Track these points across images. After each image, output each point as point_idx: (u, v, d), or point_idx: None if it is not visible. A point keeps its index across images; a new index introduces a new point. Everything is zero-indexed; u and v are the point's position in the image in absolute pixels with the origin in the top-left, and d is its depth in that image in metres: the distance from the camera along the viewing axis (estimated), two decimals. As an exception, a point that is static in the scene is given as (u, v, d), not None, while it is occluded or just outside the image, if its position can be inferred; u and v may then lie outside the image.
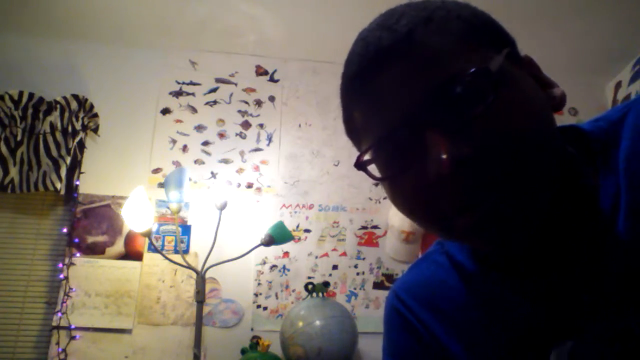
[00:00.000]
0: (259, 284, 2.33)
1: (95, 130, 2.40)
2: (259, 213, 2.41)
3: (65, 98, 2.36)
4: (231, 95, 2.57)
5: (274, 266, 2.36)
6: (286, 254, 2.39)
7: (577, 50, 2.53)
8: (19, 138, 2.27)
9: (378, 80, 0.43)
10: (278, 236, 2.08)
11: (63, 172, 2.26)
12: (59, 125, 2.32)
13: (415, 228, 2.37)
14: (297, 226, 2.43)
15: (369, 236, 2.47)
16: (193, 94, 2.54)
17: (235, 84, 2.59)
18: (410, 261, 2.38)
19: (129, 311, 2.19)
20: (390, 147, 0.43)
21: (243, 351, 2.05)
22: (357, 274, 2.41)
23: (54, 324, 2.12)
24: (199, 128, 2.50)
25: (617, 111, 0.47)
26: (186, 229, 2.33)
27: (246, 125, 2.55)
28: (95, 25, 2.42)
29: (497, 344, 0.51)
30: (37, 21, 2.39)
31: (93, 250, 2.26)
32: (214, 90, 2.56)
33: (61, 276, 2.19)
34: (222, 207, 2.15)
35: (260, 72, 2.63)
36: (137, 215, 1.94)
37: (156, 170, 2.41)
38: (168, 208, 2.26)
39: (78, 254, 2.23)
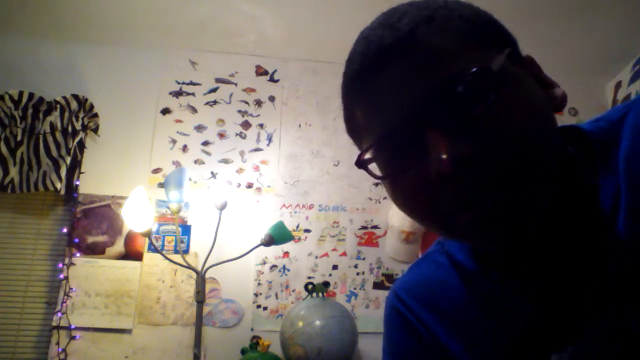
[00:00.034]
0: (259, 284, 2.33)
1: (95, 130, 2.40)
2: (259, 213, 2.41)
3: (65, 98, 2.36)
4: (231, 95, 2.57)
5: (274, 266, 2.36)
6: (286, 254, 2.39)
7: (577, 50, 2.53)
8: (19, 138, 2.27)
9: (379, 79, 0.43)
10: (278, 236, 2.08)
11: (63, 172, 2.26)
12: (59, 125, 2.32)
13: (415, 228, 2.37)
14: (297, 226, 2.43)
15: (369, 236, 2.47)
16: (193, 94, 2.54)
17: (235, 84, 2.59)
18: (410, 261, 2.38)
19: (129, 311, 2.19)
20: (391, 146, 0.43)
21: (243, 351, 2.05)
22: (357, 274, 2.41)
23: (54, 324, 2.12)
24: (199, 128, 2.51)
25: (617, 111, 0.47)
26: (186, 229, 2.33)
27: (246, 125, 2.55)
28: (95, 26, 2.42)
29: (497, 343, 0.51)
30: (37, 21, 2.39)
31: (93, 250, 2.26)
32: (214, 90, 2.56)
33: (61, 276, 2.19)
34: (222, 207, 2.15)
35: (260, 72, 2.63)
36: (137, 215, 1.94)
37: (156, 170, 2.41)
38: (168, 208, 2.26)
39: (78, 254, 2.23)
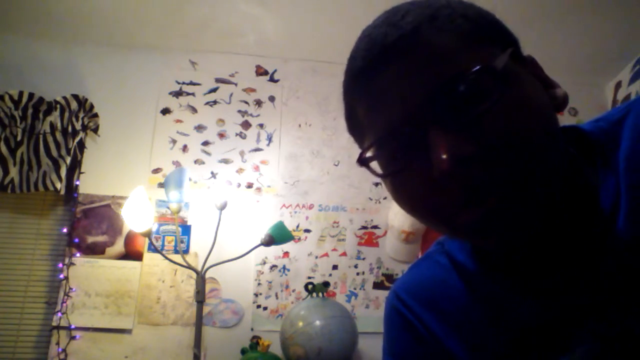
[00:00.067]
0: (259, 284, 2.33)
1: (95, 130, 2.40)
2: (259, 213, 2.41)
3: (65, 98, 2.36)
4: (231, 95, 2.57)
5: (274, 266, 2.36)
6: (286, 254, 2.39)
7: (577, 50, 2.53)
8: (19, 138, 2.27)
9: (382, 76, 0.43)
10: (278, 236, 2.08)
11: (63, 172, 2.26)
12: (59, 125, 2.32)
13: (416, 228, 2.37)
14: (297, 226, 2.43)
15: (369, 236, 2.47)
16: (193, 94, 2.54)
17: (235, 84, 2.59)
18: (410, 261, 2.38)
19: (129, 311, 2.20)
20: (394, 143, 0.43)
21: (243, 351, 2.05)
22: (357, 274, 2.41)
23: (54, 324, 2.13)
24: (199, 128, 2.51)
25: (618, 111, 0.47)
26: (186, 229, 2.33)
27: (246, 125, 2.55)
28: (95, 26, 2.42)
29: (497, 344, 0.51)
30: (37, 21, 2.39)
31: (93, 250, 2.26)
32: (214, 90, 2.56)
33: (61, 276, 2.19)
34: (222, 207, 2.15)
35: (260, 72, 2.63)
36: (137, 215, 1.94)
37: (156, 170, 2.42)
38: (168, 208, 2.26)
39: (78, 254, 2.23)
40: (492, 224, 0.40)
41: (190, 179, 2.32)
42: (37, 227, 2.29)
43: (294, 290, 2.34)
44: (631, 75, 2.54)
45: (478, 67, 0.40)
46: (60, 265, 2.21)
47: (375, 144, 0.44)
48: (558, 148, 0.42)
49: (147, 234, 1.98)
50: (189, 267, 2.05)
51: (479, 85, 0.40)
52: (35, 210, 2.31)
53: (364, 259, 2.44)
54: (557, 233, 0.46)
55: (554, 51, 2.49)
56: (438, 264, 0.58)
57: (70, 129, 2.32)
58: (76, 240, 2.24)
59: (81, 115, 2.37)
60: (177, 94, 2.54)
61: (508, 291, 0.50)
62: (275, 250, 2.33)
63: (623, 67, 2.61)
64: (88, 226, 2.28)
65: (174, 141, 2.47)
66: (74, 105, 2.36)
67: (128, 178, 2.33)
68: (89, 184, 2.33)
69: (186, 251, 2.30)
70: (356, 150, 0.48)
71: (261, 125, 2.56)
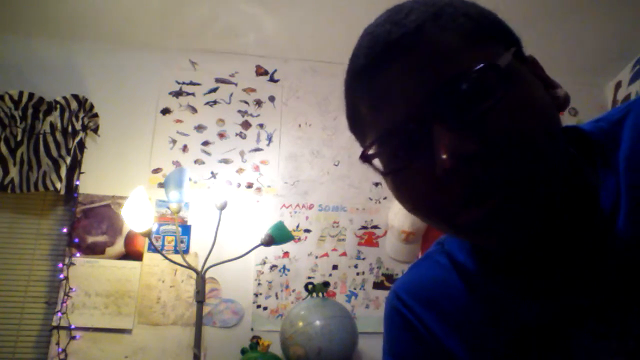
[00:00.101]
0: (259, 284, 2.33)
1: (95, 130, 2.40)
2: (259, 213, 2.41)
3: (65, 98, 2.36)
4: (231, 95, 2.57)
5: (274, 266, 2.36)
6: (286, 254, 2.39)
7: (577, 50, 2.53)
8: (19, 138, 2.27)
9: (386, 74, 0.43)
10: (278, 236, 2.08)
11: (63, 172, 2.26)
12: (59, 125, 2.32)
13: (416, 228, 2.37)
14: (297, 226, 2.43)
15: (369, 236, 2.47)
16: (193, 94, 2.54)
17: (235, 84, 2.59)
18: (410, 261, 2.38)
19: (129, 311, 2.20)
20: (396, 141, 0.43)
21: (243, 351, 2.05)
22: (357, 274, 2.41)
23: (54, 324, 2.13)
24: (199, 128, 2.51)
25: (618, 112, 0.47)
26: (186, 229, 2.33)
27: (246, 125, 2.55)
28: (95, 25, 2.42)
29: (497, 344, 0.51)
30: (37, 21, 2.39)
31: (93, 250, 2.26)
32: (214, 90, 2.56)
33: (61, 276, 2.19)
34: (222, 207, 2.15)
35: (260, 72, 2.63)
36: (137, 215, 1.94)
37: (156, 170, 2.42)
38: (168, 208, 2.26)
39: (78, 254, 2.23)
40: (494, 224, 0.40)
41: (190, 179, 2.32)
42: (37, 227, 2.29)
43: (294, 290, 2.34)
44: (631, 75, 2.54)
45: (482, 65, 0.40)
46: (60, 265, 2.21)
47: (378, 141, 0.44)
48: (560, 148, 0.42)
49: (147, 234, 1.98)
50: (189, 267, 2.05)
51: (482, 84, 0.40)
52: (35, 210, 2.31)
53: (364, 259, 2.44)
54: (557, 233, 0.46)
55: (554, 51, 2.49)
56: (438, 264, 0.58)
57: (70, 129, 2.33)
58: (76, 240, 2.24)
59: (81, 115, 2.37)
60: (177, 94, 2.54)
61: (508, 291, 0.50)
62: (275, 250, 2.33)
63: (623, 67, 2.61)
64: (88, 226, 2.28)
65: (174, 141, 2.47)
66: (74, 105, 2.36)
67: (128, 178, 2.33)
68: (89, 184, 2.33)
69: (186, 251, 2.30)
70: (356, 150, 0.48)
71: (261, 125, 2.56)
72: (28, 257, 2.25)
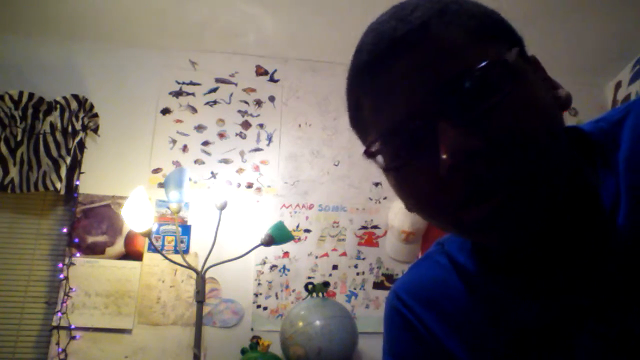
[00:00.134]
0: (259, 284, 2.33)
1: (95, 130, 2.40)
2: (259, 213, 2.41)
3: (65, 98, 2.36)
4: (231, 95, 2.57)
5: (274, 266, 2.36)
6: (286, 254, 2.39)
7: (577, 50, 2.53)
8: (19, 138, 2.27)
9: (391, 69, 0.43)
10: (278, 236, 2.08)
11: (63, 172, 2.26)
12: (59, 125, 2.32)
13: (416, 228, 2.37)
14: (297, 226, 2.43)
15: (369, 236, 2.47)
16: (193, 94, 2.54)
17: (235, 84, 2.59)
18: (410, 261, 2.38)
19: (129, 311, 2.20)
20: (401, 137, 0.42)
21: (243, 351, 2.05)
22: (357, 274, 2.41)
23: (54, 324, 2.13)
24: (199, 128, 2.51)
25: (618, 112, 0.47)
26: (186, 229, 2.33)
27: (246, 125, 2.55)
28: (95, 25, 2.42)
29: (497, 344, 0.51)
30: (37, 21, 2.39)
31: (93, 250, 2.26)
32: (214, 90, 2.56)
33: (61, 276, 2.19)
34: (222, 207, 2.15)
35: (260, 72, 2.63)
36: (137, 215, 1.94)
37: (156, 170, 2.42)
38: (168, 208, 2.26)
39: (78, 254, 2.23)
40: (497, 222, 0.40)
41: (190, 179, 2.32)
42: (37, 227, 2.29)
43: (294, 290, 2.34)
44: (631, 75, 2.54)
45: (488, 61, 0.40)
46: (60, 265, 2.21)
47: (382, 137, 0.44)
48: (562, 148, 0.43)
49: (147, 234, 1.98)
50: (189, 267, 2.05)
51: (488, 81, 0.40)
52: (35, 210, 2.31)
53: (364, 259, 2.44)
54: (559, 232, 0.46)
55: (554, 51, 2.49)
56: (438, 264, 0.58)
57: (70, 129, 2.33)
58: (76, 240, 2.24)
59: (81, 115, 2.37)
60: (177, 94, 2.54)
61: (508, 291, 0.50)
62: (275, 250, 2.33)
63: (623, 67, 2.61)
64: (88, 226, 2.28)
65: (174, 141, 2.47)
66: (74, 105, 2.36)
67: (128, 178, 2.33)
68: (89, 184, 2.33)
69: (186, 251, 2.30)
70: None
71: (261, 125, 2.56)
72: (28, 257, 2.25)
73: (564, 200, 0.44)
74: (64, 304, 2.15)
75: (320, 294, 2.15)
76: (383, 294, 2.38)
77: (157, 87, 2.52)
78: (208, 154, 2.48)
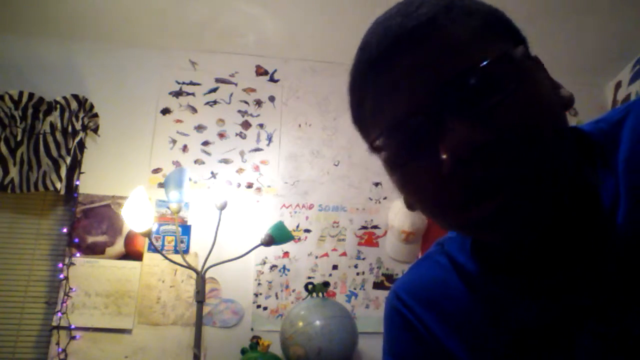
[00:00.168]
0: (259, 284, 2.33)
1: (95, 130, 2.40)
2: (259, 213, 2.41)
3: (65, 98, 2.36)
4: (231, 95, 2.57)
5: (274, 266, 2.36)
6: (286, 254, 2.39)
7: (577, 50, 2.53)
8: (19, 138, 2.27)
9: (398, 64, 0.42)
10: (278, 236, 2.08)
11: (63, 172, 2.26)
12: (59, 125, 2.32)
13: (416, 228, 2.37)
14: (297, 226, 2.43)
15: (369, 236, 2.47)
16: (193, 94, 2.54)
17: (235, 84, 2.59)
18: (410, 261, 2.38)
19: (129, 311, 2.20)
20: (406, 133, 0.42)
21: (243, 351, 2.05)
22: (357, 274, 2.41)
23: (54, 324, 2.13)
24: (199, 128, 2.51)
25: (617, 113, 0.47)
26: (186, 229, 2.33)
27: (246, 125, 2.55)
28: (95, 25, 2.42)
29: (497, 344, 0.51)
30: (37, 21, 2.39)
31: (93, 250, 2.26)
32: (214, 90, 2.56)
33: (61, 276, 2.19)
34: (222, 207, 2.15)
35: (260, 72, 2.63)
36: (137, 215, 1.94)
37: (156, 170, 2.42)
38: (168, 208, 2.26)
39: (78, 254, 2.23)
40: (501, 219, 0.40)
41: (190, 179, 2.32)
42: (37, 227, 2.29)
43: (294, 290, 2.34)
44: (631, 75, 2.54)
45: (496, 57, 0.40)
46: (60, 265, 2.21)
47: (387, 132, 0.44)
48: (567, 146, 0.43)
49: (147, 234, 1.98)
50: (189, 267, 2.05)
51: (495, 77, 0.40)
52: (35, 210, 2.31)
53: (364, 259, 2.44)
54: (560, 231, 0.46)
55: (554, 51, 2.49)
56: (438, 264, 0.58)
57: (70, 129, 2.33)
58: (76, 240, 2.24)
59: (81, 115, 2.37)
60: (177, 94, 2.54)
61: (508, 291, 0.50)
62: (275, 250, 2.33)
63: (623, 67, 2.61)
64: (88, 226, 2.28)
65: (174, 141, 2.47)
66: (74, 105, 2.36)
67: (128, 178, 2.33)
68: (89, 184, 2.33)
69: (186, 251, 2.30)
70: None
71: (261, 125, 2.56)
72: (28, 257, 2.25)
73: (568, 199, 0.44)
74: (64, 304, 2.15)
75: (320, 294, 2.15)
76: (383, 294, 2.38)
77: (157, 87, 2.52)
78: (208, 154, 2.48)
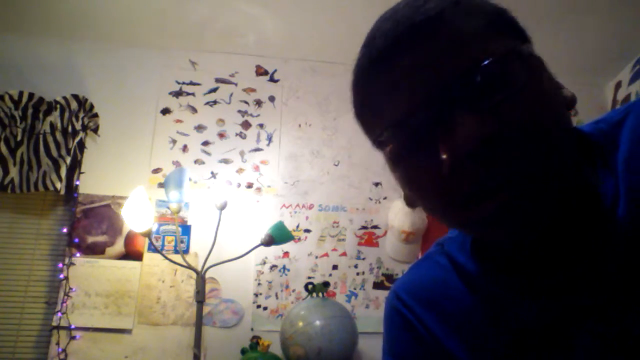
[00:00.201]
0: (259, 284, 2.33)
1: (95, 130, 2.40)
2: (259, 213, 2.41)
3: (65, 98, 2.36)
4: (231, 95, 2.57)
5: (274, 266, 2.36)
6: (286, 254, 2.39)
7: (577, 50, 2.53)
8: (19, 138, 2.27)
9: (405, 58, 0.42)
10: (278, 236, 2.08)
11: (63, 172, 2.26)
12: (59, 125, 2.32)
13: (416, 228, 2.37)
14: (297, 226, 2.43)
15: (369, 236, 2.47)
16: (193, 94, 2.54)
17: (235, 84, 2.59)
18: (410, 261, 2.38)
19: (129, 311, 2.20)
20: (414, 127, 0.42)
21: (243, 351, 2.05)
22: (357, 274, 2.41)
23: (54, 324, 2.13)
24: (199, 128, 2.51)
25: (618, 113, 0.48)
26: (186, 229, 2.33)
27: (246, 125, 2.55)
28: (95, 25, 2.42)
29: (497, 344, 0.51)
30: (37, 21, 2.39)
31: (93, 250, 2.26)
32: (214, 90, 2.56)
33: (61, 276, 2.19)
34: (222, 207, 2.15)
35: (260, 72, 2.63)
36: (137, 215, 1.94)
37: (156, 170, 2.42)
38: (168, 208, 2.26)
39: (78, 254, 2.23)
40: (503, 218, 0.40)
41: (190, 179, 2.32)
42: (37, 227, 2.29)
43: (294, 290, 2.34)
44: (631, 75, 2.54)
45: (505, 52, 0.40)
46: (60, 265, 2.21)
47: (394, 126, 0.43)
48: (571, 145, 0.43)
49: (147, 234, 1.98)
50: (189, 267, 2.05)
51: (505, 71, 0.40)
52: (35, 210, 2.31)
53: (364, 259, 2.44)
54: (561, 231, 0.46)
55: (554, 51, 2.48)
56: (438, 264, 0.58)
57: (70, 129, 2.33)
58: (76, 240, 2.24)
59: (81, 115, 2.37)
60: (177, 94, 2.54)
61: (508, 291, 0.50)
62: (275, 250, 2.33)
63: (623, 67, 2.61)
64: (88, 226, 2.28)
65: (174, 141, 2.47)
66: (74, 105, 2.36)
67: (128, 178, 2.33)
68: (89, 184, 2.33)
69: (186, 251, 2.30)
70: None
71: (261, 125, 2.56)
72: (28, 257, 2.25)
73: (571, 199, 0.44)
74: (64, 304, 2.15)
75: (320, 294, 2.15)
76: (383, 294, 2.39)
77: (157, 87, 2.52)
78: (208, 154, 2.48)
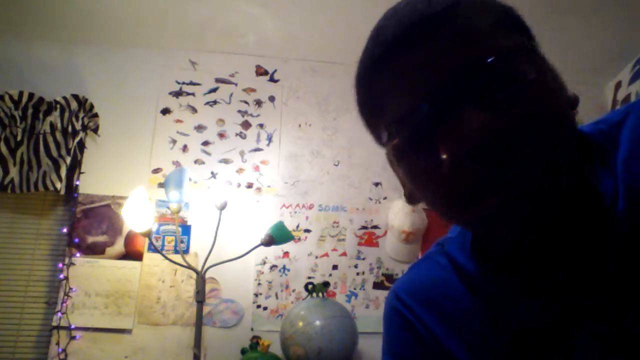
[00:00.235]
0: (259, 284, 2.33)
1: (95, 130, 2.40)
2: (259, 213, 2.41)
3: (65, 98, 2.36)
4: (231, 95, 2.57)
5: (274, 266, 2.36)
6: (286, 254, 2.39)
7: (577, 50, 2.53)
8: (19, 138, 2.27)
9: (412, 53, 0.42)
10: (278, 236, 2.08)
11: (63, 172, 2.26)
12: (59, 125, 2.32)
13: (416, 228, 2.37)
14: (297, 226, 2.43)
15: (369, 236, 2.47)
16: (193, 94, 2.54)
17: (235, 84, 2.59)
18: (410, 261, 2.38)
19: (129, 311, 2.20)
20: (421, 121, 0.42)
21: (243, 351, 2.05)
22: (357, 274, 2.41)
23: (54, 324, 2.13)
24: (199, 128, 2.51)
25: (617, 114, 0.48)
26: (186, 229, 2.33)
27: (246, 125, 2.55)
28: (95, 26, 2.42)
29: (497, 344, 0.51)
30: (37, 21, 2.39)
31: (93, 250, 2.26)
32: (214, 90, 2.56)
33: (61, 276, 2.19)
34: (222, 207, 2.15)
35: (260, 72, 2.63)
36: (137, 215, 1.94)
37: (156, 170, 2.42)
38: (168, 208, 2.26)
39: (78, 254, 2.23)
40: (508, 213, 0.40)
41: (190, 179, 2.32)
42: (37, 227, 2.29)
43: (294, 290, 2.34)
44: (631, 75, 2.54)
45: (514, 47, 0.40)
46: (60, 265, 2.21)
47: (396, 123, 0.43)
48: (574, 145, 0.43)
49: (147, 234, 1.98)
50: (189, 267, 2.05)
51: (514, 66, 0.40)
52: (35, 210, 2.31)
53: (364, 259, 2.44)
54: (561, 231, 0.45)
55: (554, 51, 2.48)
56: (438, 264, 0.58)
57: (70, 129, 2.33)
58: (76, 240, 2.24)
59: (81, 115, 2.37)
60: (177, 94, 2.54)
61: (508, 291, 0.50)
62: (275, 250, 2.33)
63: (623, 67, 2.61)
64: (88, 226, 2.28)
65: (174, 141, 2.47)
66: (74, 105, 2.36)
67: (128, 178, 2.33)
68: (89, 184, 2.33)
69: (186, 251, 2.30)
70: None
71: (261, 125, 2.56)
72: (28, 257, 2.25)
73: (570, 198, 0.44)
74: (64, 304, 2.15)
75: (320, 294, 2.15)
76: (383, 294, 2.38)
77: (157, 87, 2.52)
78: (208, 154, 2.48)
